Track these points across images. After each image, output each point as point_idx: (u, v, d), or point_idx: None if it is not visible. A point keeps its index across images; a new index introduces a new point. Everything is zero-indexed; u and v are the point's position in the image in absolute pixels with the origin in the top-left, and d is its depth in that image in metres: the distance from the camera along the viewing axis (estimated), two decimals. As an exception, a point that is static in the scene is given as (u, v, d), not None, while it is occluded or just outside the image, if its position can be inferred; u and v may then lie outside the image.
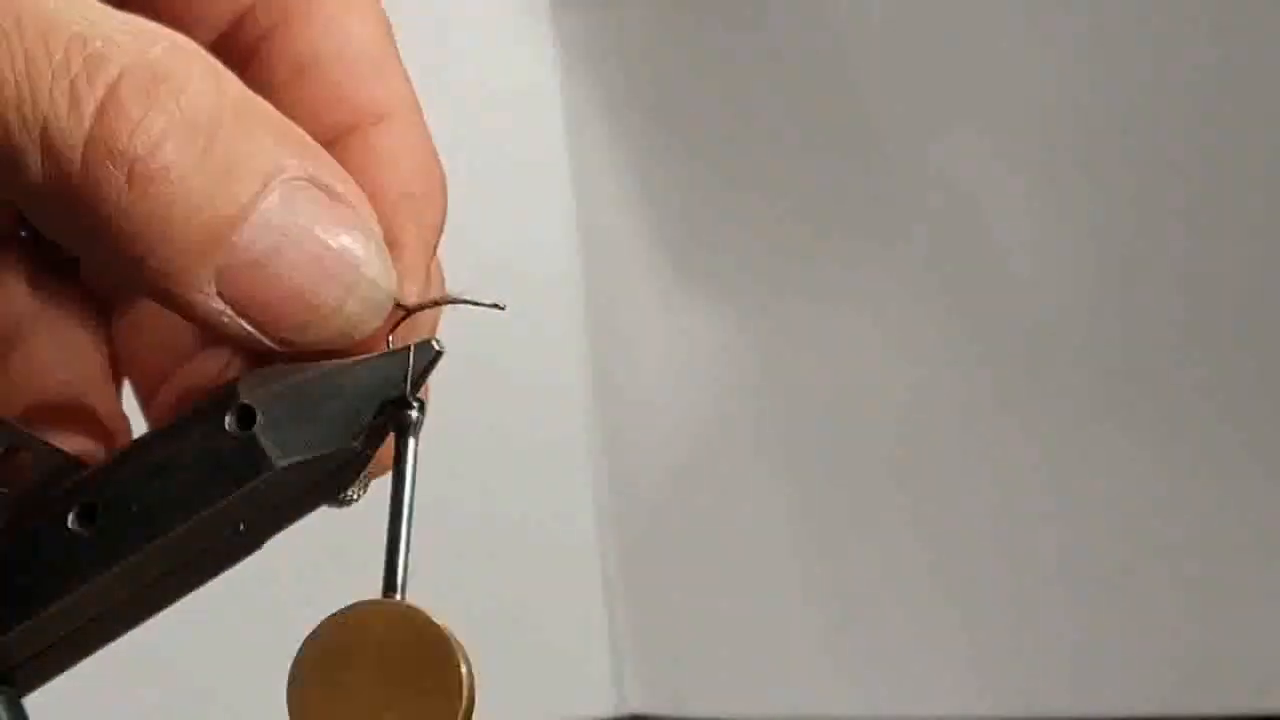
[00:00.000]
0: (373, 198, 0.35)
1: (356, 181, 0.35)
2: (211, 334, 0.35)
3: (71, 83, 0.32)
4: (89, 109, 0.32)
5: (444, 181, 0.39)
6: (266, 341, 0.34)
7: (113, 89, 0.32)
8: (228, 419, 0.35)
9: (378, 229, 0.35)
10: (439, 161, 0.39)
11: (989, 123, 0.79)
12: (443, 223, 0.38)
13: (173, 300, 0.33)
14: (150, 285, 0.33)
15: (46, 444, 0.36)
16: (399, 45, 0.40)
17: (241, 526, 0.35)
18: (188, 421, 0.35)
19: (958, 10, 0.79)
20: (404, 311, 0.36)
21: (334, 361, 0.35)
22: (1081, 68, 0.78)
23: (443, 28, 0.82)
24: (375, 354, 0.36)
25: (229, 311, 0.33)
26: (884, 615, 0.80)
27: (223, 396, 0.35)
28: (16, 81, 0.31)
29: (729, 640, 0.81)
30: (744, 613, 0.81)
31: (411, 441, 0.35)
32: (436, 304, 0.37)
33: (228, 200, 0.33)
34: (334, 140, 0.37)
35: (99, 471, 0.35)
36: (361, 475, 0.36)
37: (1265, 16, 0.75)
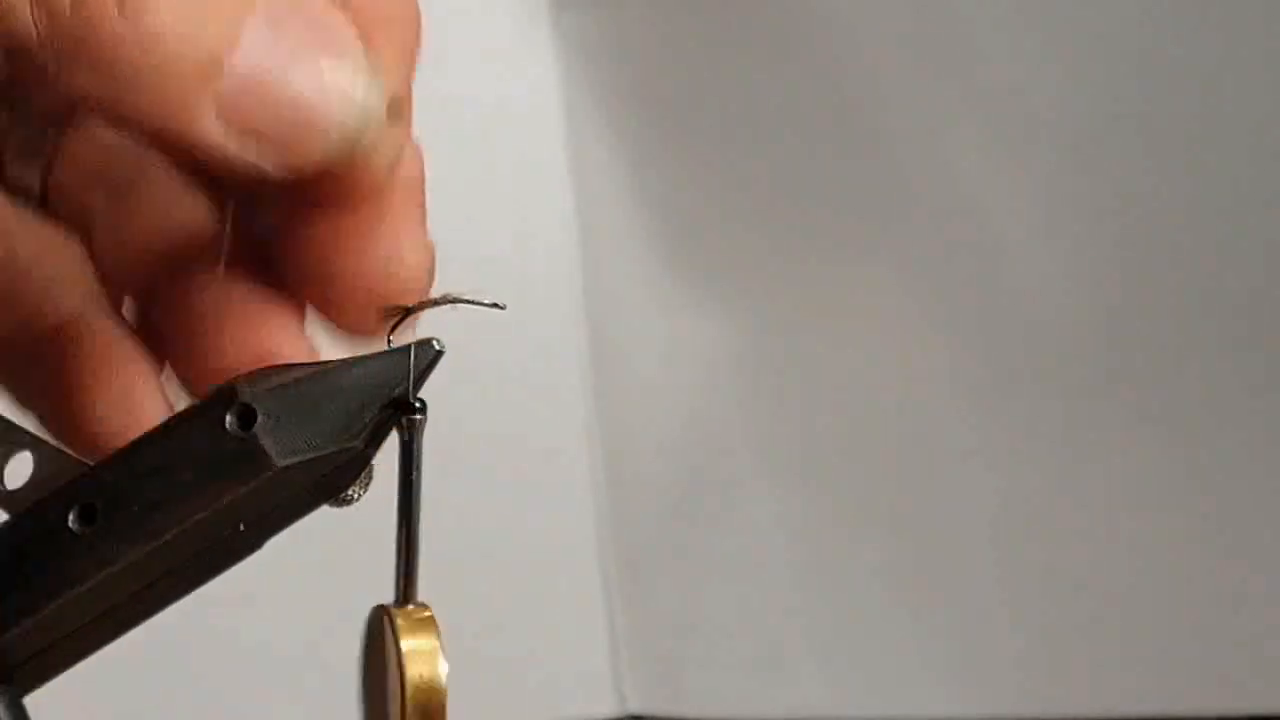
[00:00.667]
0: (352, 20, 0.36)
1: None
2: (215, 167, 0.35)
3: None
4: None
5: (418, 8, 0.39)
6: (271, 170, 0.35)
7: None
8: (228, 418, 0.35)
9: (361, 48, 0.35)
10: None
11: (989, 122, 0.79)
12: (418, 47, 0.39)
13: (176, 133, 0.34)
14: (151, 120, 0.34)
15: (46, 443, 0.36)
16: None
17: (242, 526, 0.35)
18: (188, 421, 0.35)
19: (958, 10, 0.79)
20: (404, 311, 0.36)
21: (334, 360, 0.35)
22: (1082, 67, 0.78)
23: (442, 28, 0.82)
24: (375, 353, 0.36)
25: (233, 136, 0.34)
26: (883, 616, 0.80)
27: (223, 396, 0.35)
28: None
29: (729, 640, 0.81)
30: (744, 613, 0.81)
31: (416, 442, 0.36)
32: (436, 303, 0.37)
33: (218, 25, 0.34)
34: None
35: (99, 471, 0.35)
36: (362, 474, 0.36)
37: (1266, 16, 0.75)
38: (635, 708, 0.82)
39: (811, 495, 0.81)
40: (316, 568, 0.72)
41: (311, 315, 0.37)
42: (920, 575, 0.80)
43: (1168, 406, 0.77)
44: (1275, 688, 0.75)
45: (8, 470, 0.36)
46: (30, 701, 0.37)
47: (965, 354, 0.79)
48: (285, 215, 0.37)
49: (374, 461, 0.37)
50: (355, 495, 0.37)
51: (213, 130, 0.34)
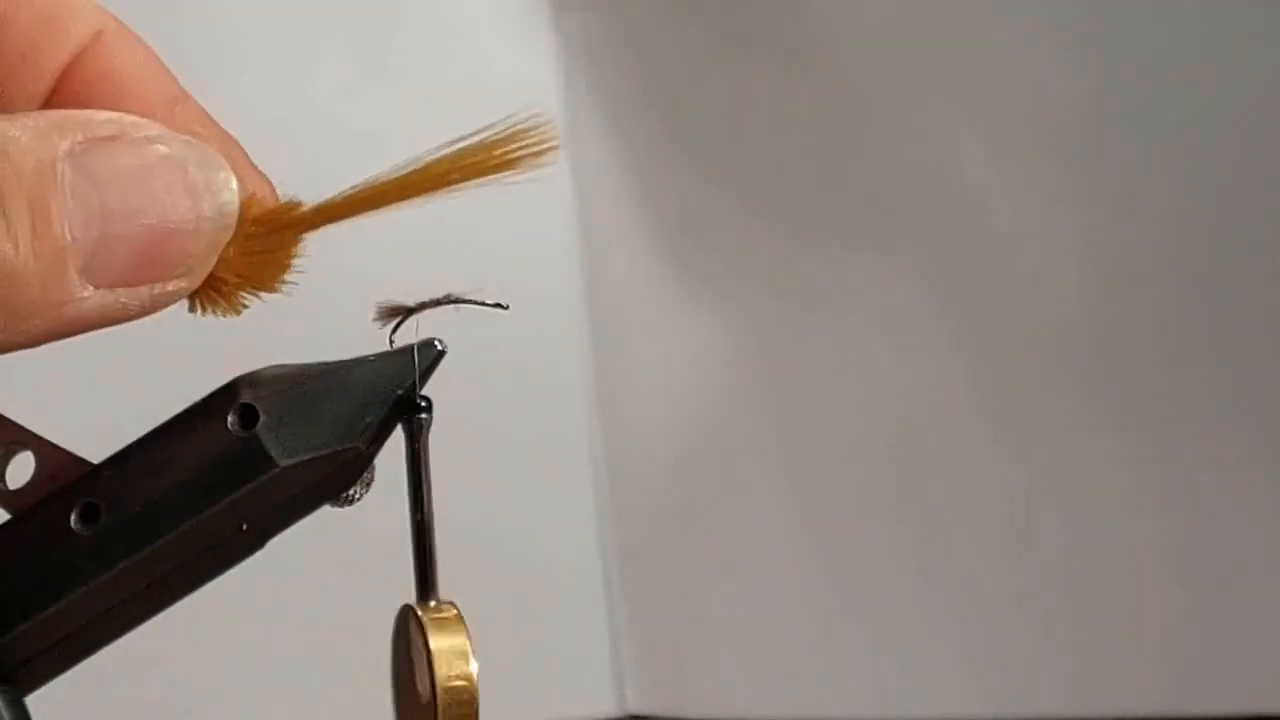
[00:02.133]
0: (148, 111, 0.35)
1: (122, 106, 0.35)
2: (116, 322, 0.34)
3: None
4: None
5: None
6: (167, 294, 0.34)
7: None
8: (230, 418, 0.35)
9: (171, 133, 0.34)
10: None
11: (989, 122, 0.79)
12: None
13: (62, 324, 0.33)
14: (30, 325, 0.33)
15: (49, 443, 0.36)
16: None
17: (244, 526, 0.35)
18: (190, 421, 0.35)
19: (957, 9, 0.79)
20: (405, 311, 0.36)
21: (336, 360, 0.35)
22: (1082, 66, 0.78)
23: (443, 27, 0.82)
24: (377, 353, 0.36)
25: (120, 293, 0.33)
26: (884, 615, 0.80)
27: (225, 395, 0.35)
28: None
29: (729, 640, 0.81)
30: (744, 613, 0.81)
31: (422, 441, 0.36)
32: (439, 304, 0.37)
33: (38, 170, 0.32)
34: (73, 79, 0.37)
35: (101, 470, 0.35)
36: (364, 474, 0.36)
37: (1266, 15, 0.75)
38: (635, 708, 0.82)
39: (812, 494, 0.81)
40: (317, 567, 0.72)
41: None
42: (922, 575, 0.80)
43: (1171, 405, 0.77)
44: (1275, 688, 0.75)
45: (9, 470, 0.36)
46: (31, 701, 0.37)
47: (967, 350, 0.79)
48: None
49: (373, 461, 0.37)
50: (357, 495, 0.37)
51: (94, 300, 0.33)
